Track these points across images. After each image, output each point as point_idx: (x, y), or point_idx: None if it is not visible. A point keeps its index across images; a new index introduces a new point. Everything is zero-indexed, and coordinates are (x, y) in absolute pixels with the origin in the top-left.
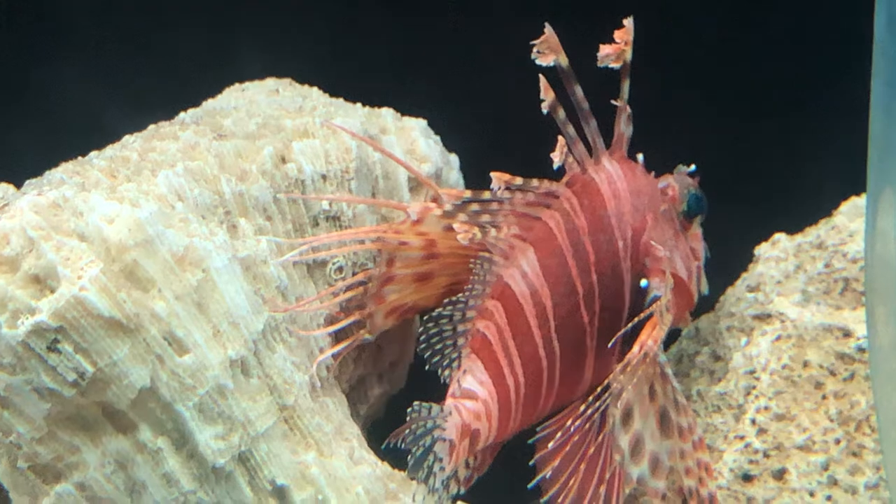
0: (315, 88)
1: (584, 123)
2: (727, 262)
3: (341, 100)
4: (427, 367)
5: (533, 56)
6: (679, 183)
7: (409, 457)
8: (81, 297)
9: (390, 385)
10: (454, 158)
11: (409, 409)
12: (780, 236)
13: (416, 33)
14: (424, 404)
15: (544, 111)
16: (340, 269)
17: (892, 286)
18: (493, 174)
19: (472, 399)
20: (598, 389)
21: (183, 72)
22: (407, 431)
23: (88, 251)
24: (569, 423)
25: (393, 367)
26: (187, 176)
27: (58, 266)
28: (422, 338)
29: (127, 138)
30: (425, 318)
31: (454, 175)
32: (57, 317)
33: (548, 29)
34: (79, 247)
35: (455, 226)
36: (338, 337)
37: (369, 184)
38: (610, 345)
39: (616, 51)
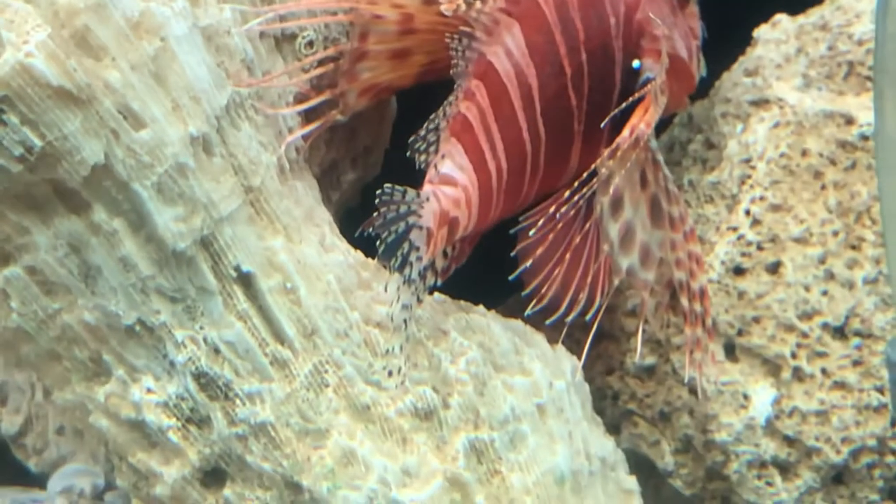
0: None
1: None
2: (724, 44)
3: None
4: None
5: None
6: None
7: (379, 242)
8: (27, 64)
9: (364, 171)
10: None
11: (378, 192)
12: (780, 17)
13: None
14: (398, 187)
15: None
16: (311, 43)
17: None
18: None
19: (451, 185)
20: (585, 175)
21: None
22: (376, 215)
23: (35, 14)
24: (552, 209)
25: (368, 151)
26: None
27: (1, 29)
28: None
29: None
30: None
31: None
32: (1, 85)
33: None
34: (24, 9)
35: None
36: (308, 117)
37: None
38: (602, 125)
39: None
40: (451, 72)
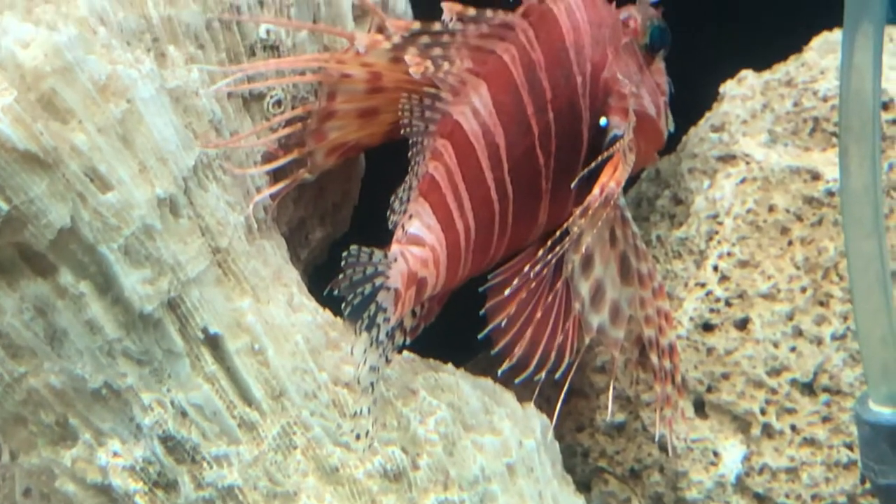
0: None
1: None
2: (690, 100)
3: None
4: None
5: None
6: (641, 14)
7: (344, 304)
8: None
9: (333, 228)
10: None
11: (343, 254)
12: (746, 73)
13: None
14: (364, 249)
15: None
16: (279, 102)
17: (867, 124)
18: (444, 4)
19: (418, 245)
20: (557, 234)
21: None
22: (342, 276)
23: (1, 78)
24: (526, 269)
25: (336, 208)
26: None
27: None
28: None
29: None
30: None
31: (402, 3)
32: None
33: None
34: None
35: (407, 58)
36: (276, 176)
37: (310, 10)
38: (573, 186)
39: None
40: (403, 132)
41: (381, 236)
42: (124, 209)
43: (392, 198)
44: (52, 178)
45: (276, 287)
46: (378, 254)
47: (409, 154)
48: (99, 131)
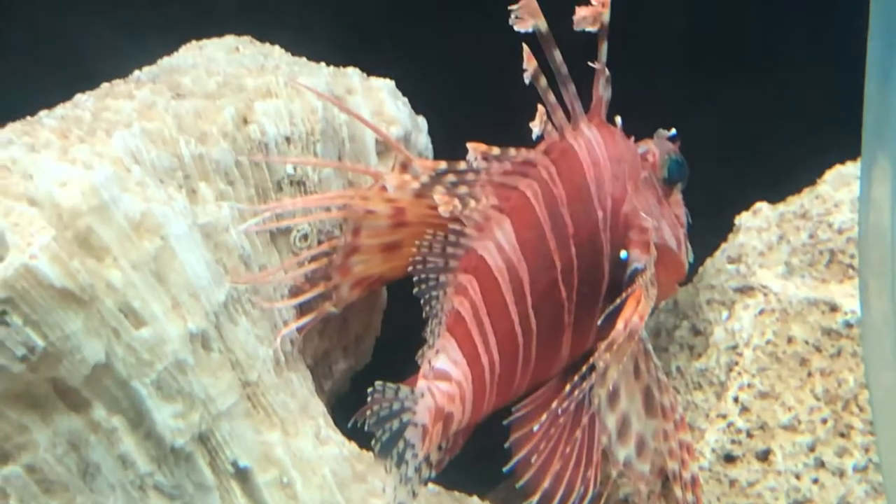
0: (277, 47)
1: (562, 88)
2: (705, 231)
3: (304, 59)
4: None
5: (511, 22)
6: (659, 148)
7: (374, 441)
8: (31, 266)
9: (356, 360)
10: (422, 121)
11: (369, 389)
12: (761, 205)
13: None
14: (389, 385)
15: (527, 81)
16: (305, 236)
17: (886, 258)
18: (469, 145)
19: (445, 380)
20: (584, 369)
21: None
22: (369, 412)
23: (39, 217)
24: (554, 405)
25: (359, 340)
26: (144, 137)
27: (6, 232)
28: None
29: (79, 97)
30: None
31: (423, 139)
32: (5, 287)
33: None
34: (29, 212)
35: (435, 197)
36: (302, 309)
37: (336, 147)
38: (599, 323)
39: (593, 14)
40: (412, 268)
41: (401, 367)
42: (157, 344)
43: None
44: (88, 315)
45: (304, 420)
46: (404, 389)
47: (420, 289)
48: (133, 268)
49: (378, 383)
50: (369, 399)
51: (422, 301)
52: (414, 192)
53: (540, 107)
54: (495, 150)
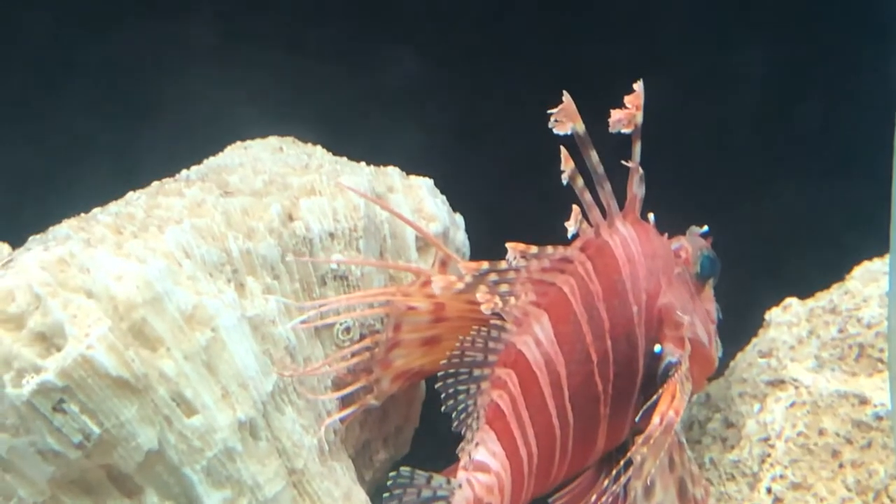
0: (319, 147)
1: (598, 188)
2: (736, 326)
3: (345, 158)
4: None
5: (550, 125)
6: (692, 244)
7: None
8: (89, 356)
9: (395, 450)
10: (460, 218)
11: (392, 474)
12: (791, 301)
13: (414, 90)
14: (419, 472)
15: (564, 182)
16: (348, 329)
17: None
18: (508, 245)
19: (484, 472)
20: (621, 463)
21: (180, 129)
22: (388, 495)
23: (96, 308)
24: (593, 499)
25: (398, 431)
26: (194, 233)
27: (65, 324)
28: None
29: (131, 195)
30: (442, 394)
31: (461, 235)
32: (63, 376)
33: (566, 97)
34: (86, 304)
35: (478, 296)
36: (344, 401)
37: (377, 242)
38: (637, 420)
39: (627, 116)
40: (446, 363)
41: (438, 457)
42: (208, 432)
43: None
44: (142, 403)
45: None
46: (438, 478)
47: (445, 383)
48: (185, 358)
49: (404, 469)
50: (390, 483)
51: (445, 395)
52: (457, 292)
53: (574, 206)
54: (533, 249)
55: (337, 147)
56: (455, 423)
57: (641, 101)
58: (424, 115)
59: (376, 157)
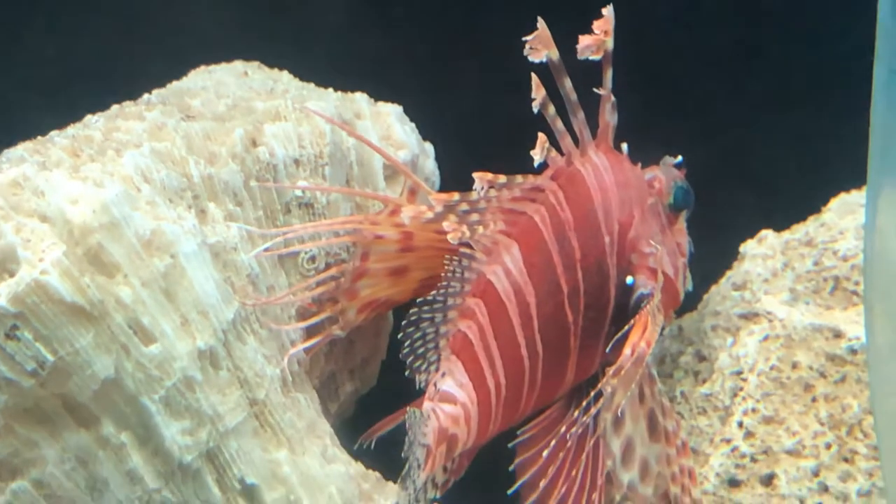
0: (285, 72)
1: (571, 115)
2: (709, 258)
3: (312, 84)
4: (407, 373)
5: (525, 52)
6: (666, 175)
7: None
8: (43, 282)
9: (361, 382)
10: (429, 147)
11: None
12: (766, 233)
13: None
14: (416, 410)
15: (535, 109)
16: (313, 258)
17: (891, 285)
18: (475, 174)
19: (450, 402)
20: (591, 394)
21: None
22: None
23: (50, 233)
24: (562, 431)
25: (365, 363)
26: (154, 157)
27: (18, 248)
28: (404, 342)
29: (89, 118)
30: (404, 322)
31: (430, 163)
32: (16, 302)
33: (541, 24)
34: (40, 228)
35: (444, 225)
36: (309, 331)
37: (344, 170)
38: (608, 350)
39: (596, 42)
40: (440, 292)
41: (406, 390)
42: (166, 361)
43: (412, 358)
44: (98, 331)
45: (311, 439)
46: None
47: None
48: (143, 285)
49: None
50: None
51: (407, 322)
52: (427, 222)
53: (540, 134)
54: (502, 179)
55: (304, 74)
56: (409, 355)
57: (611, 27)
58: (396, 41)
59: (344, 84)
